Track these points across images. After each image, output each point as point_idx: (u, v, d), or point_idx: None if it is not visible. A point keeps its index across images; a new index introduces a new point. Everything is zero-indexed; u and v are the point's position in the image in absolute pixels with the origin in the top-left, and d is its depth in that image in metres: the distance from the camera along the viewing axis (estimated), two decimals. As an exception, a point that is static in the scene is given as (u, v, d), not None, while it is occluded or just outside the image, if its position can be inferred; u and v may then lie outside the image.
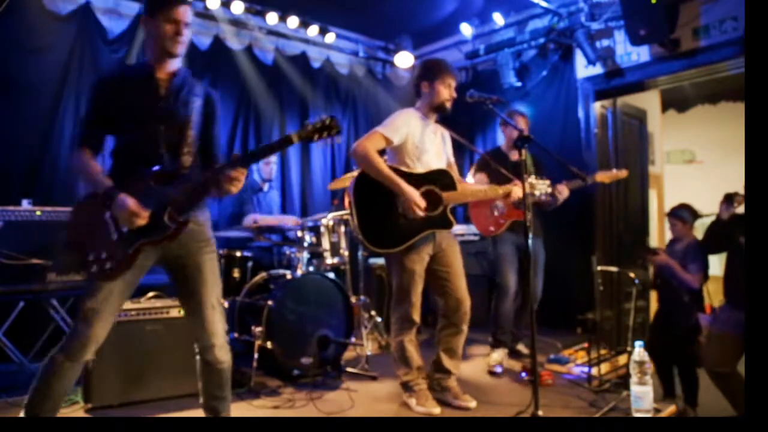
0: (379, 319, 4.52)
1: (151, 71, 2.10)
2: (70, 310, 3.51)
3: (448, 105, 2.97)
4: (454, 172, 3.05)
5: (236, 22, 5.19)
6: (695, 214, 3.89)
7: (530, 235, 2.54)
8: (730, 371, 3.12)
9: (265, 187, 4.59)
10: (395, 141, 2.87)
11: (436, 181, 2.91)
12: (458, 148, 3.33)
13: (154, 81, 2.09)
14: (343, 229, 4.03)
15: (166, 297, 3.18)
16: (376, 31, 6.10)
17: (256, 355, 3.26)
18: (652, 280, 4.09)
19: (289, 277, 3.57)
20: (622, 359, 3.66)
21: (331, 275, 3.72)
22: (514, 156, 3.78)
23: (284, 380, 3.40)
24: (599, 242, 5.07)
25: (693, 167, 7.39)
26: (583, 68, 5.08)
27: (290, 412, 2.92)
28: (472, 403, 2.92)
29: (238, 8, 4.97)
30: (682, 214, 3.86)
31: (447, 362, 2.99)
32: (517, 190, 3.05)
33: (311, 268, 3.80)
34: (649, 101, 5.97)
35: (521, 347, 4.03)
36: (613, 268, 4.34)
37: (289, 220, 4.34)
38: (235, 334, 3.56)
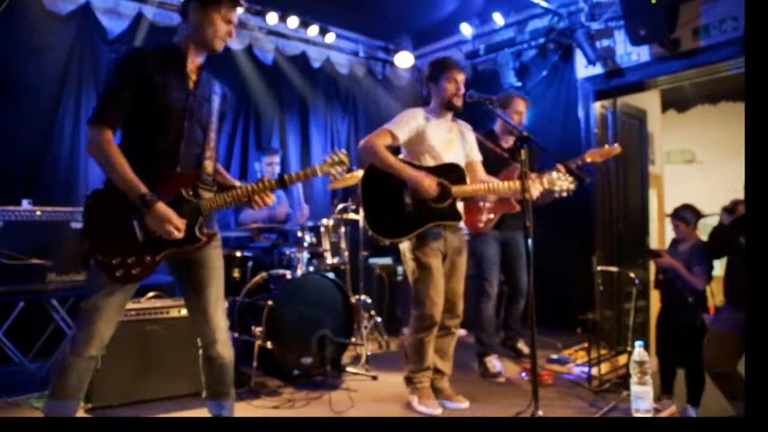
0: (379, 319, 4.52)
1: (183, 60, 2.03)
2: (70, 310, 3.50)
3: (457, 100, 2.95)
4: (479, 171, 3.05)
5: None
6: (698, 215, 3.89)
7: (530, 236, 2.52)
8: (730, 371, 3.13)
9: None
10: (402, 138, 2.89)
11: (445, 175, 2.89)
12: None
13: (185, 71, 2.02)
14: (343, 229, 4.03)
15: (166, 297, 3.18)
16: (376, 31, 6.10)
17: (256, 355, 3.26)
18: (654, 279, 4.08)
19: (289, 277, 3.57)
20: (622, 359, 3.66)
21: (331, 275, 3.72)
22: (506, 143, 3.73)
23: (284, 380, 3.40)
24: (599, 242, 5.07)
25: (693, 167, 7.39)
26: (583, 68, 5.08)
27: (290, 412, 2.92)
28: (465, 404, 2.94)
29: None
30: (685, 215, 3.86)
31: (439, 363, 3.00)
32: (532, 188, 2.89)
33: (311, 268, 3.80)
34: (649, 101, 5.97)
35: (522, 345, 4.01)
36: (613, 268, 4.34)
37: (282, 211, 4.33)
38: (235, 334, 3.56)
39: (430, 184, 2.77)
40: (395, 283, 4.98)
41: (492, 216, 3.66)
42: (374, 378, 3.49)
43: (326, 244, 3.87)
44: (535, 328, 2.45)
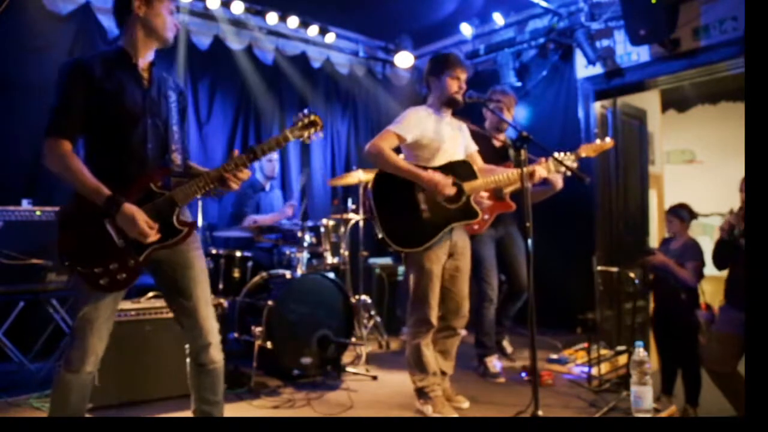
0: (379, 319, 4.52)
1: (131, 60, 1.98)
2: (69, 310, 3.51)
3: (459, 97, 2.90)
4: (478, 162, 3.03)
5: (236, 22, 5.19)
6: (693, 215, 3.90)
7: (530, 237, 2.51)
8: (730, 371, 3.12)
9: (267, 186, 4.60)
10: (408, 138, 2.82)
11: (455, 173, 2.85)
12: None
13: (136, 71, 1.99)
14: (343, 229, 4.03)
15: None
16: (376, 31, 6.10)
17: (256, 355, 3.26)
18: (644, 279, 4.07)
19: (289, 277, 3.57)
20: (622, 359, 3.66)
21: (331, 275, 3.72)
22: (497, 141, 3.71)
23: (284, 380, 3.40)
24: (599, 242, 5.07)
25: (693, 167, 7.39)
26: (583, 68, 5.08)
27: (290, 412, 2.92)
28: (465, 404, 2.93)
29: (238, 8, 4.97)
30: (681, 213, 3.88)
31: (442, 363, 2.97)
32: (540, 170, 2.93)
33: (311, 268, 3.80)
34: (649, 101, 5.97)
35: (506, 344, 3.98)
36: (613, 268, 4.34)
37: (286, 211, 4.33)
38: (235, 334, 3.57)
39: (446, 183, 2.72)
40: (395, 283, 4.98)
41: (487, 217, 3.62)
42: (374, 378, 3.49)
43: (326, 244, 3.87)
44: (534, 328, 2.45)
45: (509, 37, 5.51)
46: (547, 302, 4.23)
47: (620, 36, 4.77)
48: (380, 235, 2.79)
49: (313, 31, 5.57)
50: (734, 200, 3.59)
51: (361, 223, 4.26)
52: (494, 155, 3.49)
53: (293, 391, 3.23)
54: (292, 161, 5.63)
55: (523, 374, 3.58)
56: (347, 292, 3.71)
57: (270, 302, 3.36)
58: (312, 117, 2.10)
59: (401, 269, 4.99)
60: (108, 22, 4.52)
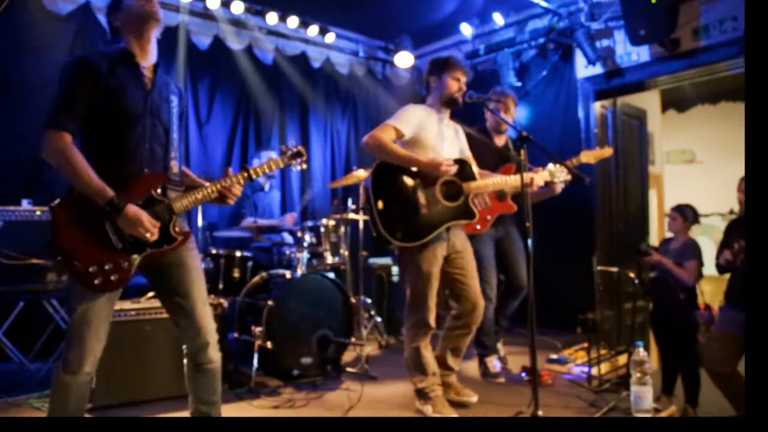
0: (379, 319, 4.52)
1: (134, 59, 1.99)
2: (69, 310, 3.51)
3: (459, 98, 2.90)
4: (473, 165, 3.02)
5: (236, 22, 5.19)
6: (696, 217, 3.89)
7: (530, 236, 2.51)
8: (730, 371, 3.13)
9: (267, 186, 4.60)
10: (407, 133, 2.82)
11: (456, 172, 2.84)
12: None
13: (139, 71, 2.00)
14: (343, 229, 4.03)
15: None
16: (376, 31, 6.10)
17: (256, 355, 3.26)
18: (642, 279, 4.07)
19: (289, 277, 3.57)
20: (622, 359, 3.66)
21: (331, 275, 3.72)
22: (499, 141, 3.72)
23: (284, 380, 3.40)
24: (599, 242, 5.07)
25: (693, 167, 7.39)
26: (583, 68, 5.08)
27: (290, 412, 2.92)
28: (474, 398, 2.91)
29: (238, 8, 4.97)
30: (686, 212, 3.87)
31: (451, 360, 2.97)
32: (538, 178, 2.94)
33: (311, 268, 3.80)
34: (649, 101, 5.97)
35: (500, 346, 3.92)
36: (613, 268, 4.34)
37: (287, 219, 4.33)
38: (235, 334, 3.57)
39: (447, 161, 2.70)
40: (395, 283, 4.98)
41: (489, 218, 3.62)
42: (374, 378, 3.49)
43: (326, 244, 3.87)
44: (534, 328, 2.45)
45: (509, 37, 5.51)
46: (547, 302, 4.22)
47: (620, 36, 4.78)
48: (375, 234, 2.77)
49: (313, 31, 5.57)
50: (734, 200, 3.60)
51: (361, 223, 4.26)
52: (494, 157, 3.49)
53: (293, 391, 3.23)
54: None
55: (523, 374, 3.57)
56: (347, 292, 3.71)
57: (270, 302, 3.36)
58: (298, 148, 2.28)
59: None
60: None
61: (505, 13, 5.43)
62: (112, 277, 1.87)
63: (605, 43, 4.87)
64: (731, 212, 3.92)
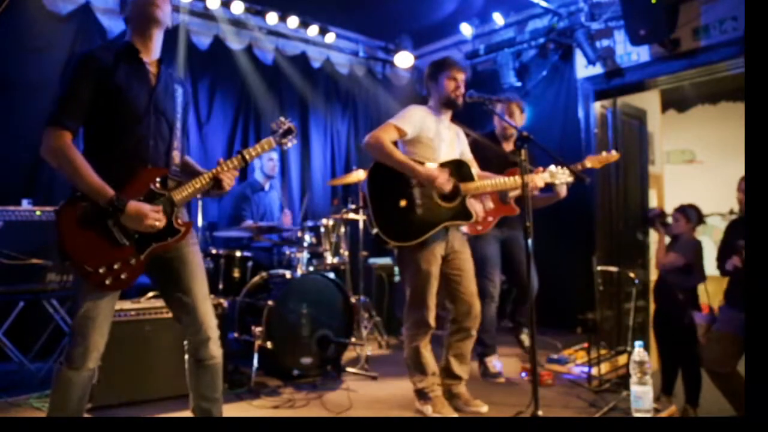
0: (378, 319, 4.52)
1: (139, 54, 1.99)
2: (70, 310, 3.50)
3: (457, 98, 2.89)
4: (473, 168, 3.02)
5: (236, 22, 5.19)
6: (701, 217, 3.88)
7: (530, 236, 2.51)
8: (730, 371, 3.13)
9: (267, 185, 4.60)
10: (409, 132, 2.81)
11: (452, 172, 2.84)
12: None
13: (144, 67, 2.01)
14: (343, 229, 4.03)
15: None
16: (376, 31, 6.10)
17: (256, 355, 3.26)
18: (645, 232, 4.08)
19: (289, 277, 3.57)
20: (622, 359, 3.66)
21: (331, 275, 3.72)
22: (507, 146, 3.72)
23: (284, 380, 3.40)
24: (599, 242, 5.07)
25: (693, 167, 7.39)
26: (583, 68, 5.08)
27: (290, 412, 2.92)
28: (484, 408, 2.86)
29: (238, 8, 4.97)
30: (688, 212, 3.86)
31: (457, 368, 2.92)
32: (537, 179, 2.93)
33: (311, 268, 3.80)
34: (649, 101, 5.97)
35: (524, 337, 3.96)
36: (613, 268, 4.34)
37: (283, 220, 4.34)
38: (235, 334, 3.57)
39: (443, 178, 2.71)
40: (395, 283, 4.98)
41: (491, 219, 3.63)
42: (374, 378, 3.49)
43: (326, 244, 3.87)
44: (535, 328, 2.45)
45: (509, 37, 5.52)
46: (547, 302, 4.24)
47: (620, 36, 4.77)
48: (374, 230, 2.78)
49: (313, 31, 5.57)
50: (734, 200, 3.60)
51: (361, 223, 4.26)
52: (499, 162, 3.51)
53: (293, 391, 3.23)
54: (292, 161, 5.63)
55: (523, 374, 3.57)
56: (347, 292, 3.71)
57: (270, 302, 3.36)
58: (288, 125, 2.24)
59: (401, 269, 5.00)
60: (108, 22, 4.53)
61: (505, 13, 5.44)
62: (122, 276, 1.89)
63: (605, 43, 4.87)
64: (731, 212, 3.92)
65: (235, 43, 5.23)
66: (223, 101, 5.21)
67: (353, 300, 3.84)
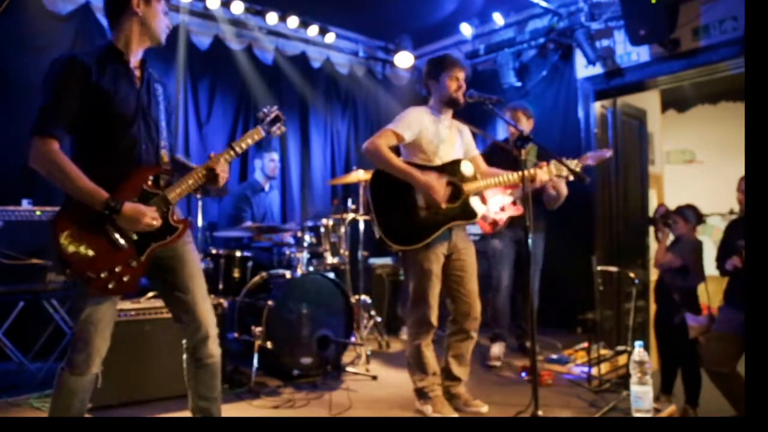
0: (379, 319, 4.52)
1: (123, 57, 1.97)
2: (70, 310, 3.50)
3: (459, 97, 2.89)
4: (480, 165, 3.03)
5: (236, 22, 5.19)
6: (700, 217, 3.88)
7: (530, 234, 2.53)
8: (729, 371, 3.13)
9: (267, 186, 4.60)
10: (407, 137, 2.82)
11: (454, 173, 2.85)
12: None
13: (129, 69, 1.98)
14: (343, 229, 4.03)
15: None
16: (376, 31, 6.10)
17: (256, 355, 3.26)
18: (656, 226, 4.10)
19: (289, 277, 3.57)
20: (622, 359, 3.66)
21: (331, 275, 3.72)
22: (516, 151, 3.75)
23: (284, 380, 3.40)
24: (599, 242, 5.07)
25: (693, 167, 7.39)
26: (583, 68, 5.08)
27: (290, 412, 2.92)
28: (484, 408, 2.86)
29: (238, 8, 4.97)
30: (686, 213, 3.87)
31: (456, 369, 2.92)
32: (541, 174, 2.92)
33: (311, 268, 3.80)
34: (649, 101, 5.97)
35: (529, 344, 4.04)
36: (613, 268, 4.34)
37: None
38: (235, 334, 3.57)
39: (439, 189, 2.71)
40: (395, 283, 4.98)
41: (500, 218, 3.76)
42: (374, 378, 3.49)
43: (326, 244, 3.87)
44: (535, 328, 2.45)
45: (509, 37, 5.52)
46: (547, 302, 4.25)
47: (620, 36, 4.77)
48: (378, 234, 2.78)
49: (313, 31, 5.57)
50: (734, 200, 3.60)
51: (361, 223, 4.26)
52: (508, 165, 3.54)
53: (293, 391, 3.23)
54: (292, 161, 5.63)
55: (523, 374, 3.57)
56: (347, 292, 3.71)
57: (270, 302, 3.36)
58: (275, 113, 2.23)
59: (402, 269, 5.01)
60: (108, 22, 4.52)
61: (505, 13, 5.43)
62: (125, 278, 1.89)
63: (605, 43, 4.87)
64: (731, 212, 3.92)
65: (235, 43, 5.23)
66: (223, 101, 5.21)
67: (353, 300, 3.84)
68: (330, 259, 3.88)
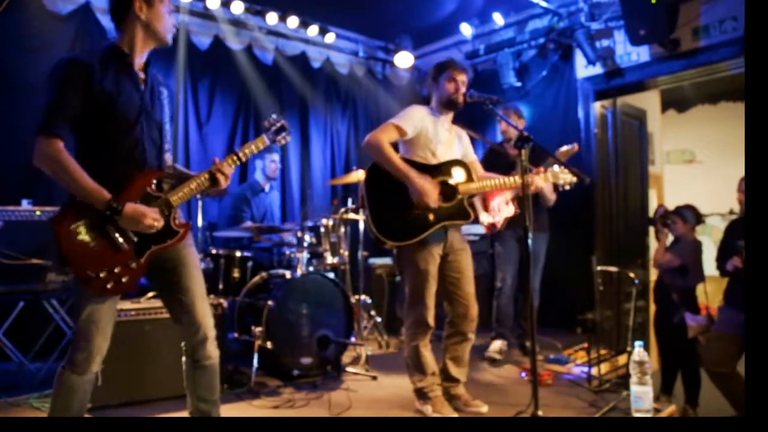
0: (379, 319, 4.52)
1: (127, 59, 1.97)
2: (70, 310, 3.51)
3: (458, 99, 2.89)
4: (478, 170, 3.03)
5: (236, 22, 5.19)
6: (699, 218, 3.88)
7: (530, 233, 2.53)
8: (729, 371, 3.13)
9: (267, 187, 4.60)
10: (409, 132, 2.82)
11: (450, 173, 2.86)
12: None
13: (133, 71, 1.98)
14: (342, 229, 4.03)
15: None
16: (376, 31, 6.10)
17: (256, 355, 3.26)
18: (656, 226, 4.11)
19: (289, 277, 3.57)
20: (622, 359, 3.67)
21: (331, 275, 3.72)
22: (513, 152, 3.78)
23: (284, 380, 3.40)
24: (599, 242, 5.07)
25: (693, 167, 7.39)
26: (583, 68, 5.08)
27: (290, 412, 2.92)
28: (484, 408, 2.86)
29: (238, 8, 4.97)
30: (684, 214, 3.87)
31: (454, 370, 2.93)
32: (538, 180, 2.94)
33: (311, 268, 3.80)
34: (649, 101, 5.97)
35: (528, 345, 4.06)
36: (613, 268, 4.34)
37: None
38: (235, 334, 3.57)
39: (432, 196, 2.71)
40: (395, 283, 4.98)
41: (497, 219, 3.76)
42: (374, 378, 3.49)
43: (326, 244, 3.87)
44: (535, 328, 2.45)
45: (509, 37, 5.52)
46: (547, 302, 4.25)
47: (620, 36, 4.77)
48: (372, 228, 2.78)
49: (313, 31, 5.57)
50: (734, 200, 3.60)
51: (361, 223, 4.26)
52: (503, 166, 3.56)
53: (293, 391, 3.23)
54: (292, 161, 5.63)
55: (523, 374, 3.58)
56: (347, 292, 3.71)
57: (270, 302, 3.36)
58: (281, 123, 2.24)
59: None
60: (108, 22, 4.46)
61: (505, 13, 5.43)
62: (124, 279, 1.90)
63: (605, 43, 4.87)
64: (731, 212, 3.92)
65: (235, 43, 5.23)
66: (223, 101, 5.21)
67: (353, 300, 3.84)
68: (330, 259, 3.88)
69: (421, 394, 2.83)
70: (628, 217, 5.36)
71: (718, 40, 4.24)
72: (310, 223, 3.94)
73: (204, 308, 2.06)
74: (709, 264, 3.73)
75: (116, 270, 1.88)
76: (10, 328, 3.43)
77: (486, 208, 3.83)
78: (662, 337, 3.95)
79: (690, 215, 3.87)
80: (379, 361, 3.91)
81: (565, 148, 3.62)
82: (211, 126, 5.10)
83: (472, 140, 3.18)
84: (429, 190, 2.72)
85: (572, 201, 3.74)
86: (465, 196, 2.88)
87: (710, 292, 3.82)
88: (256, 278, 3.75)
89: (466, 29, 5.58)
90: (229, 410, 2.86)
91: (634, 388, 2.67)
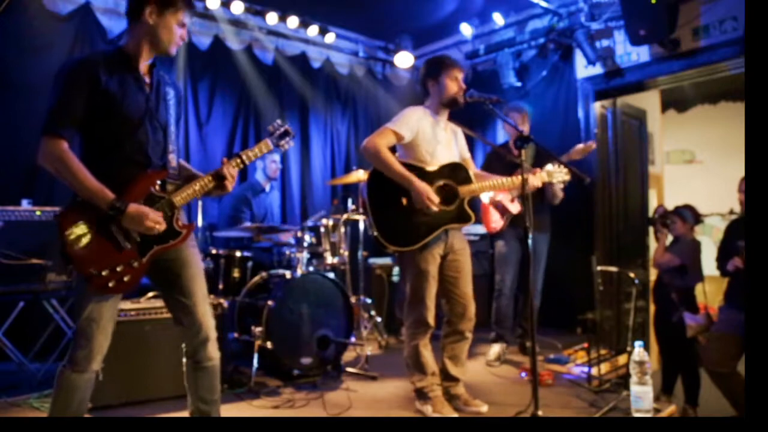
0: (379, 319, 4.52)
1: (135, 63, 1.99)
2: (70, 310, 3.51)
3: (459, 98, 2.89)
4: (471, 168, 3.03)
5: (236, 22, 5.19)
6: (698, 217, 3.88)
7: (530, 233, 2.53)
8: (730, 371, 3.13)
9: (267, 187, 4.60)
10: (406, 137, 2.82)
11: (450, 176, 2.86)
12: (468, 142, 3.31)
13: (138, 74, 2.00)
14: (343, 229, 4.03)
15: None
16: (376, 31, 6.10)
17: (256, 355, 3.26)
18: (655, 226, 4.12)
19: (288, 277, 3.57)
20: (622, 359, 3.66)
21: (331, 275, 3.72)
22: (517, 152, 3.78)
23: (284, 380, 3.40)
24: (599, 242, 5.07)
25: (693, 167, 7.39)
26: (583, 68, 5.08)
27: (290, 412, 2.92)
28: (484, 408, 2.86)
29: (238, 8, 4.97)
30: (683, 213, 3.87)
31: (453, 369, 2.93)
32: (533, 180, 2.95)
33: (311, 268, 3.80)
34: (649, 101, 5.97)
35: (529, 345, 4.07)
36: (613, 268, 4.34)
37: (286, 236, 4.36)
38: (235, 334, 3.57)
39: (432, 200, 2.70)
40: (395, 283, 4.98)
41: (498, 218, 3.76)
42: (374, 378, 3.49)
43: (326, 244, 3.87)
44: (535, 328, 2.45)
45: (509, 37, 5.52)
46: (548, 302, 4.25)
47: (620, 36, 4.77)
48: (375, 234, 2.78)
49: (313, 31, 5.57)
50: (734, 200, 3.60)
51: (361, 223, 4.27)
52: (506, 166, 3.56)
53: (293, 391, 3.23)
54: (292, 161, 5.63)
55: (523, 374, 3.58)
56: (347, 292, 3.71)
57: (270, 302, 3.36)
58: (285, 128, 2.28)
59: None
60: (108, 22, 4.53)
61: (505, 13, 5.43)
62: (125, 278, 1.91)
63: (605, 43, 4.87)
64: (731, 212, 3.92)
65: (235, 43, 5.23)
66: (223, 101, 5.21)
67: (353, 300, 3.84)
68: (330, 259, 3.88)
69: (421, 394, 2.83)
70: (628, 217, 5.36)
71: (718, 40, 4.24)
72: (310, 223, 3.94)
73: (205, 309, 2.08)
74: (709, 264, 3.73)
75: (118, 269, 1.90)
76: (10, 328, 3.43)
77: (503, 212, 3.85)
78: (662, 337, 3.95)
79: (689, 215, 3.87)
80: (379, 361, 3.91)
81: (581, 145, 3.64)
82: (211, 126, 5.10)
83: (472, 140, 3.18)
84: (430, 194, 2.72)
85: (572, 201, 3.74)
86: (465, 199, 2.88)
87: (709, 292, 3.82)
88: (256, 278, 3.75)
89: (466, 29, 5.58)
90: (229, 410, 2.86)
91: (634, 388, 2.67)
